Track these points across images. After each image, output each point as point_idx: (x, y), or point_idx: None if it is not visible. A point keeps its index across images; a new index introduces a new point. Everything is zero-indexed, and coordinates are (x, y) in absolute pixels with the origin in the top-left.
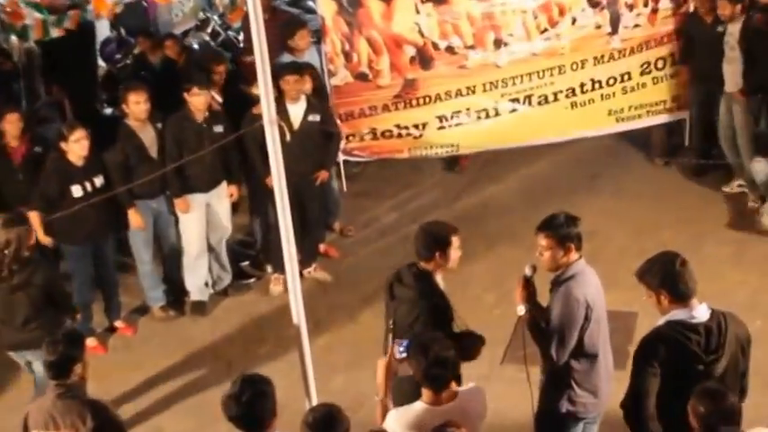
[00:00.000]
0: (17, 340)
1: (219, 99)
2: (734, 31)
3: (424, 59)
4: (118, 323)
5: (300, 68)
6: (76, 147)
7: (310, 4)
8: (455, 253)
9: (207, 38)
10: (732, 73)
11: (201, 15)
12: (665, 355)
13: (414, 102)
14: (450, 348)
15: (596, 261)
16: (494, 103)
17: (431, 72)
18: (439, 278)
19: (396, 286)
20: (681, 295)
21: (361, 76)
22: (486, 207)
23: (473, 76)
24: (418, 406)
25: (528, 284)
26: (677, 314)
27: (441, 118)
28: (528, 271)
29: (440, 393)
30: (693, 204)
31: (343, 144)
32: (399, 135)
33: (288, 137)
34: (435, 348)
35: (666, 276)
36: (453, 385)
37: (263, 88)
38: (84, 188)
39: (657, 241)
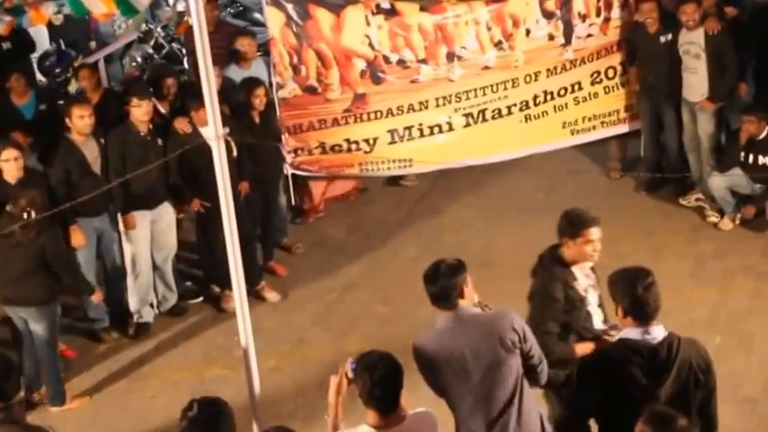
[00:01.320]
0: (10, 295)
1: (163, 111)
2: (695, 39)
3: (374, 73)
4: (59, 345)
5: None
6: (7, 166)
7: (257, 16)
8: (587, 246)
9: (150, 50)
10: (697, 82)
11: (144, 28)
12: (604, 375)
13: (364, 116)
14: (398, 369)
15: None
16: (447, 118)
17: (382, 86)
18: (577, 269)
19: (537, 264)
20: (635, 315)
21: (310, 89)
22: (440, 222)
23: (425, 91)
24: (364, 429)
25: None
26: (630, 332)
27: (392, 133)
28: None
29: (386, 416)
30: (650, 218)
31: (291, 158)
32: (349, 150)
33: (234, 153)
34: (381, 368)
35: (627, 294)
36: (402, 408)
37: (209, 103)
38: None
39: (614, 256)
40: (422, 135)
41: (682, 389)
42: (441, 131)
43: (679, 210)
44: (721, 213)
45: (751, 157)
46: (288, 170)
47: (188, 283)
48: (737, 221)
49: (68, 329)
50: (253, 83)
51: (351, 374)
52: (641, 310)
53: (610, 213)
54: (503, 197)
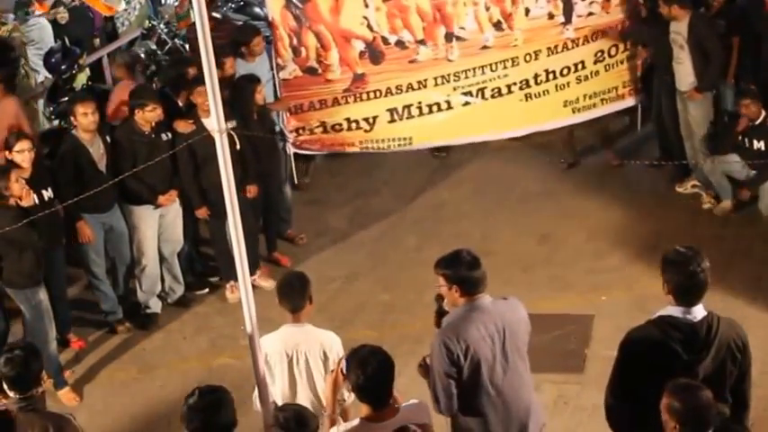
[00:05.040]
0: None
1: (180, 103)
2: (681, 30)
3: (373, 54)
4: (70, 336)
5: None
6: (19, 157)
7: (257, 10)
8: None
9: (153, 47)
10: (683, 72)
11: (147, 24)
12: (645, 351)
13: (364, 95)
14: (390, 363)
15: (551, 265)
16: (446, 97)
17: (381, 67)
18: None
19: None
20: (681, 298)
21: (310, 70)
22: (440, 211)
23: (424, 70)
24: (357, 422)
25: (440, 316)
26: (671, 310)
27: (392, 111)
28: (437, 302)
29: (379, 409)
30: (648, 204)
31: (292, 137)
32: (350, 128)
33: (237, 145)
34: (373, 363)
35: (676, 276)
36: (396, 401)
37: (212, 98)
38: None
39: (613, 243)
40: (421, 113)
41: (720, 367)
42: (440, 110)
43: (676, 196)
44: (717, 199)
45: (746, 142)
46: (290, 149)
47: (213, 280)
48: (733, 206)
49: (80, 321)
50: (254, 79)
51: (346, 371)
52: (687, 294)
53: (607, 201)
54: (501, 187)
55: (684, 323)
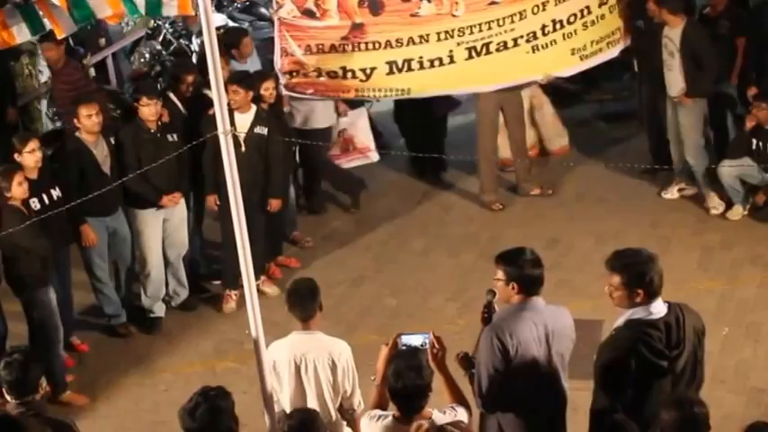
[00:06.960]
0: None
1: (183, 110)
2: (673, 36)
3: (373, 4)
4: (73, 339)
5: (242, 80)
6: (30, 158)
7: (263, 11)
8: None
9: (158, 47)
10: (673, 78)
11: (152, 24)
12: (629, 359)
13: (362, 45)
14: (423, 378)
15: (559, 269)
16: (448, 52)
17: (380, 18)
18: None
19: None
20: (651, 295)
21: (308, 13)
22: (447, 215)
23: (426, 25)
24: (389, 418)
25: (488, 311)
26: (636, 312)
27: (391, 64)
28: (488, 296)
29: (409, 415)
30: (657, 209)
31: (285, 79)
32: (345, 77)
33: (243, 147)
34: (406, 378)
35: (643, 277)
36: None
37: (216, 99)
38: (41, 201)
39: (621, 247)
40: (422, 68)
41: (693, 353)
42: (441, 64)
43: (685, 201)
44: (729, 204)
45: (759, 146)
46: (283, 91)
47: (216, 283)
48: (746, 211)
49: (83, 325)
50: (261, 76)
51: (401, 347)
52: (655, 289)
53: (616, 205)
54: (508, 191)
55: (657, 320)
